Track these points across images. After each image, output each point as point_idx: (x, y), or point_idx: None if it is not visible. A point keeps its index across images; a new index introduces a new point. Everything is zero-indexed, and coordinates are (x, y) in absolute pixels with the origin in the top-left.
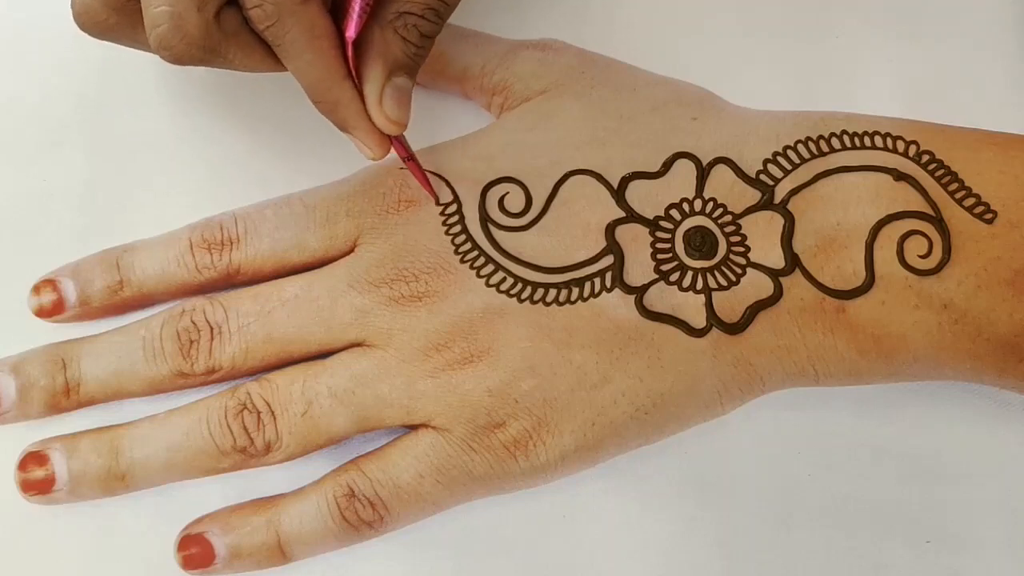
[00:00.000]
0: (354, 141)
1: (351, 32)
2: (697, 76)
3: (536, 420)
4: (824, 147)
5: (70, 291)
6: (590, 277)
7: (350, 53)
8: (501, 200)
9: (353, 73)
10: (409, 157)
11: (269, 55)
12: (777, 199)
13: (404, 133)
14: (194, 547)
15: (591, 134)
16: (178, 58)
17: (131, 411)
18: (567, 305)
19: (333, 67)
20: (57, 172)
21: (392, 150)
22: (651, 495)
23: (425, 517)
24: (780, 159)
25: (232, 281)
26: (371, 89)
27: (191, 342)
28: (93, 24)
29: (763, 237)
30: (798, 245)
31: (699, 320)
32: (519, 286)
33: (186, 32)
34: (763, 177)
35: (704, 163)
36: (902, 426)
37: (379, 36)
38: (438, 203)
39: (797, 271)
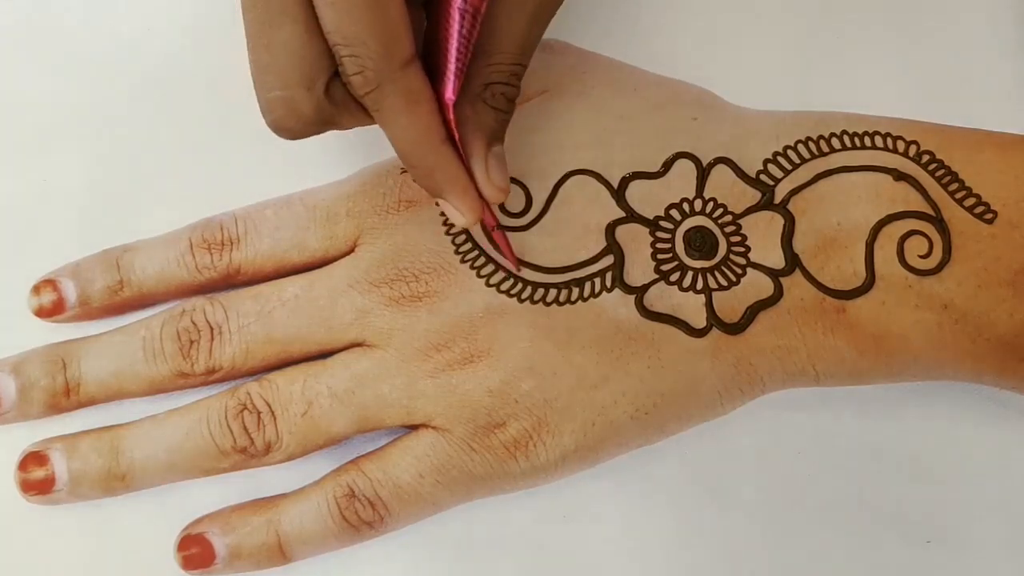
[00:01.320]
0: (446, 208)
1: (450, 94)
2: (697, 76)
3: (536, 420)
4: (824, 147)
5: (70, 291)
6: (590, 277)
7: (451, 116)
8: None
9: (455, 135)
10: (497, 226)
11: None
12: (777, 199)
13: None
14: (194, 547)
15: (591, 134)
16: (295, 136)
17: (131, 411)
18: (567, 305)
19: (431, 132)
20: (57, 172)
21: (482, 211)
22: (651, 495)
23: (425, 517)
24: (780, 159)
25: (232, 281)
26: (477, 162)
27: (191, 342)
28: (288, 133)
29: (763, 237)
30: (798, 245)
31: (699, 320)
32: (519, 286)
33: (301, 113)
34: (763, 177)
35: (704, 163)
36: (902, 426)
37: (471, 109)
38: (519, 270)
39: (797, 271)
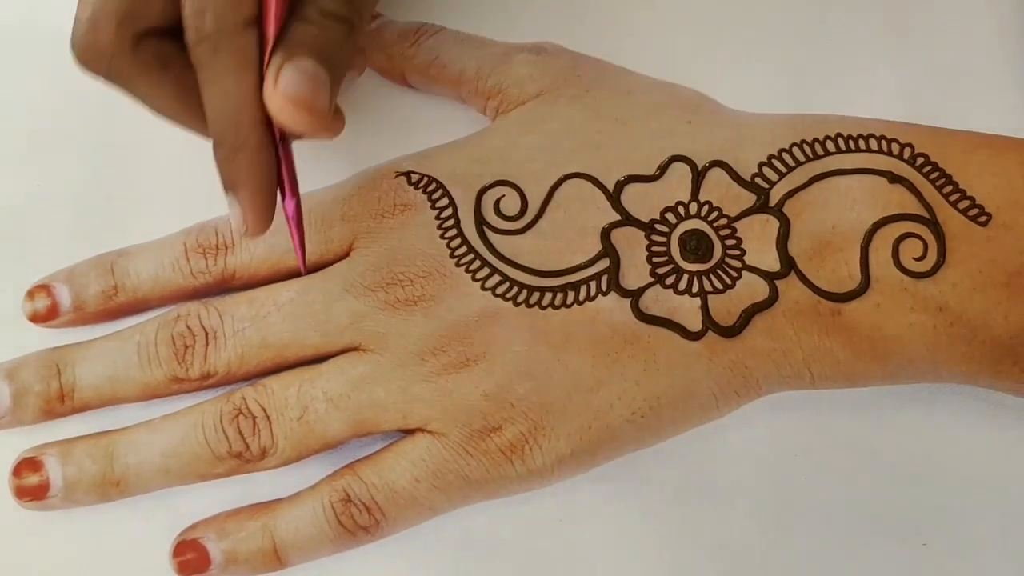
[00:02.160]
0: (233, 208)
1: (270, 31)
2: (692, 79)
3: (532, 424)
4: (819, 150)
5: (64, 296)
6: (586, 280)
7: (267, 55)
8: (496, 203)
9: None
10: (295, 222)
11: (173, 98)
12: (772, 202)
13: (282, 200)
14: (189, 553)
15: (586, 137)
16: (85, 64)
17: (126, 417)
18: (563, 309)
19: (250, 105)
20: (52, 177)
21: (271, 224)
22: (647, 498)
23: (421, 522)
24: (775, 162)
25: (227, 286)
26: (269, 76)
27: (186, 347)
28: (81, 60)
29: (758, 240)
30: (793, 248)
31: (695, 323)
32: (515, 290)
33: (96, 40)
34: (758, 180)
35: (699, 166)
36: (898, 428)
37: (283, 28)
38: (304, 273)
39: (792, 274)
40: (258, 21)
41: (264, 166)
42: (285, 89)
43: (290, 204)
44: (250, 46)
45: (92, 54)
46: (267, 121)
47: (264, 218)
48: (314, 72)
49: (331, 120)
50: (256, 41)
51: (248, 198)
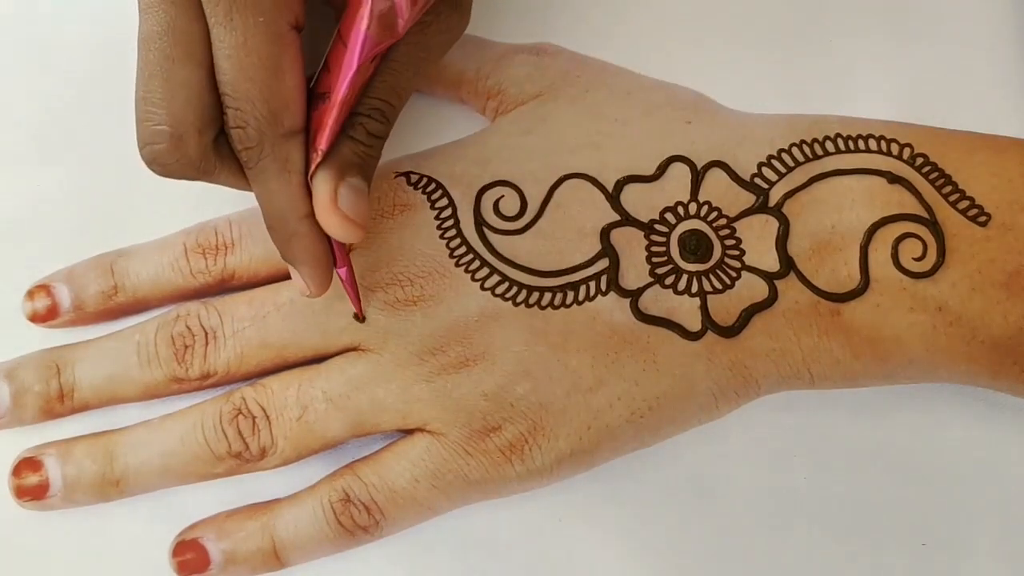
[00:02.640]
0: (295, 276)
1: (323, 145)
2: (691, 79)
3: (531, 424)
4: (818, 150)
5: (64, 296)
6: (585, 281)
7: (313, 166)
8: (496, 203)
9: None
10: (351, 285)
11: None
12: (772, 202)
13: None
14: (189, 553)
15: (586, 138)
16: (170, 174)
17: (126, 417)
18: (562, 309)
19: (297, 203)
20: (51, 177)
21: (331, 285)
22: (646, 498)
23: (421, 521)
24: (774, 162)
25: (227, 286)
26: (324, 189)
27: (186, 347)
28: (162, 169)
29: (758, 240)
30: (793, 248)
31: (694, 323)
32: (514, 290)
33: (184, 153)
34: (757, 180)
35: (699, 166)
36: (897, 429)
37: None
38: (363, 320)
39: (792, 274)
40: (301, 130)
41: (317, 248)
42: (345, 208)
43: (342, 270)
44: (293, 153)
45: (181, 166)
46: (313, 212)
47: (323, 284)
48: (362, 188)
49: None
50: (299, 147)
51: (307, 273)
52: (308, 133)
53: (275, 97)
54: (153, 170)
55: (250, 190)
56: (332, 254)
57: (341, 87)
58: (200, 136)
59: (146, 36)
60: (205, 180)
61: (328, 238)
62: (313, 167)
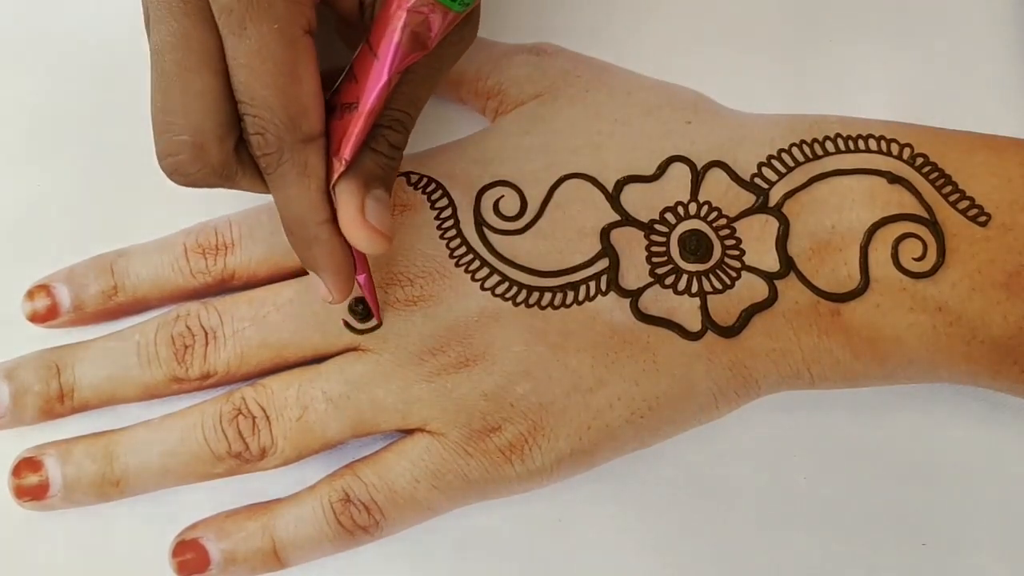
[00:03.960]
0: (315, 281)
1: (347, 155)
2: (691, 79)
3: (531, 424)
4: (818, 150)
5: (64, 296)
6: (585, 281)
7: (335, 175)
8: (496, 204)
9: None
10: (370, 292)
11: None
12: (772, 202)
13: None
14: (189, 553)
15: (586, 138)
16: (192, 184)
17: (126, 417)
18: (562, 309)
19: (316, 209)
20: (51, 177)
21: (352, 290)
22: (646, 499)
23: (421, 521)
24: (774, 162)
25: (227, 286)
26: (351, 201)
27: (186, 347)
28: (184, 179)
29: (758, 240)
30: (793, 248)
31: (694, 323)
32: (514, 290)
33: (206, 162)
34: (757, 180)
35: (699, 166)
36: (897, 429)
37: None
38: (379, 324)
39: (792, 274)
40: (320, 135)
41: (336, 253)
42: (372, 220)
43: (361, 276)
44: (312, 158)
45: (204, 175)
46: (333, 217)
47: (344, 290)
48: (386, 200)
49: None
50: (318, 152)
51: (328, 278)
52: (327, 138)
53: (293, 103)
54: (175, 180)
55: (265, 193)
56: (353, 260)
57: (370, 98)
58: (221, 144)
59: (159, 47)
60: (227, 187)
61: (348, 243)
62: (336, 176)
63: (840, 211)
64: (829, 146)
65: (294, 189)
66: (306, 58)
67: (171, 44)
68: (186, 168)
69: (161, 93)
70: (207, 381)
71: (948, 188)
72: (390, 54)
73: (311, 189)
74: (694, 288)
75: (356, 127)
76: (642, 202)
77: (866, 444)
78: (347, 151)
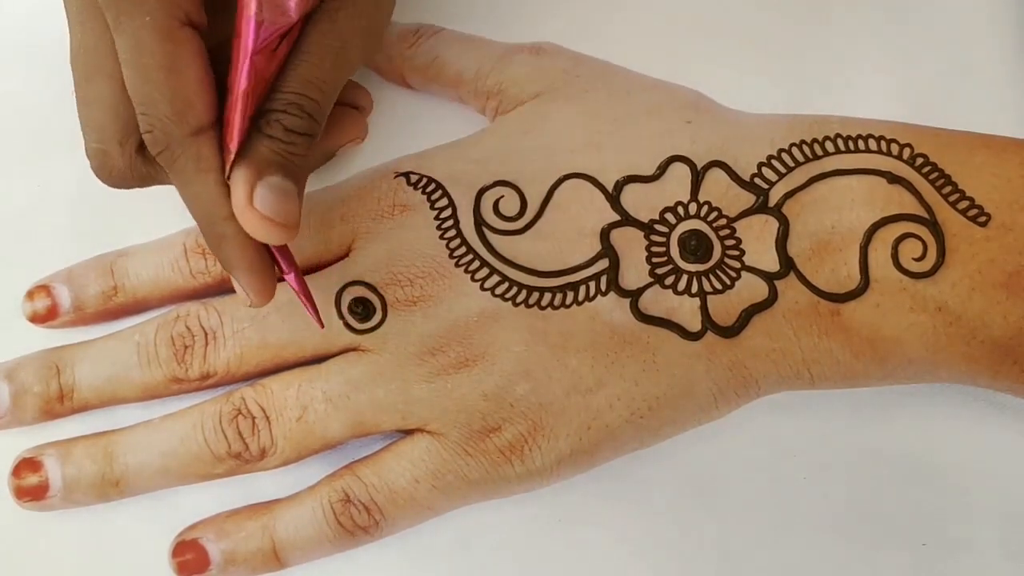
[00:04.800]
0: (236, 285)
1: (230, 140)
2: (691, 79)
3: (531, 424)
4: (818, 150)
5: (64, 297)
6: (585, 281)
7: (228, 164)
8: (496, 204)
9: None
10: (303, 292)
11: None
12: (771, 202)
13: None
14: (189, 553)
15: (585, 138)
16: (117, 186)
17: (126, 417)
18: (562, 309)
19: (218, 202)
20: (52, 177)
21: (273, 295)
22: (646, 499)
23: (421, 522)
24: (774, 162)
25: (226, 286)
26: (239, 189)
27: (185, 347)
28: (108, 182)
29: (758, 240)
30: (792, 248)
31: (694, 324)
32: (514, 290)
33: (114, 166)
34: (757, 180)
35: (699, 166)
36: (897, 429)
37: (248, 143)
38: (322, 327)
39: (792, 274)
40: (211, 126)
41: (248, 250)
42: (262, 208)
43: (289, 277)
44: (205, 151)
45: (113, 176)
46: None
47: (263, 292)
48: (284, 187)
49: (299, 227)
50: (212, 144)
51: (243, 277)
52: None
53: (176, 96)
54: (104, 183)
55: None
56: (273, 260)
57: (239, 78)
58: (122, 148)
59: (69, 59)
60: (151, 186)
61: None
62: (228, 167)
63: (840, 211)
64: (829, 146)
65: (195, 185)
66: (188, 49)
67: (73, 54)
68: (99, 173)
69: (78, 105)
70: (207, 381)
71: (948, 188)
72: (249, 27)
73: (209, 183)
74: (694, 288)
75: (234, 112)
76: (642, 202)
77: (865, 444)
78: (230, 139)
